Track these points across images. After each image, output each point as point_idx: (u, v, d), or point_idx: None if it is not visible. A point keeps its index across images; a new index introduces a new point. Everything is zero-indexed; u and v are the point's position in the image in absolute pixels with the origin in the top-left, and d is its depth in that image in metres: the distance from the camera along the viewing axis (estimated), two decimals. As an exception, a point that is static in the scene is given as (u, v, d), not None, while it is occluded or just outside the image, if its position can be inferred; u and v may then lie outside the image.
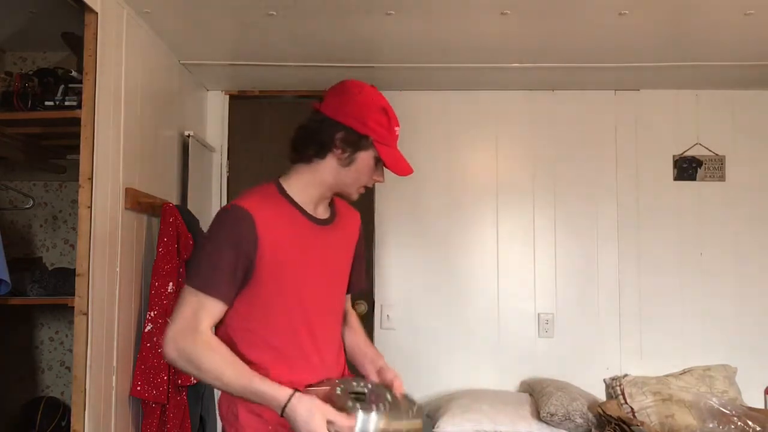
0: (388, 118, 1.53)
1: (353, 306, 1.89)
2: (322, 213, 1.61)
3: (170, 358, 1.43)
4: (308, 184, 1.56)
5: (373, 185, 1.62)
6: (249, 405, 1.46)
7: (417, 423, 1.45)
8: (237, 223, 1.45)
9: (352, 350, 1.75)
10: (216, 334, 1.50)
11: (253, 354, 1.48)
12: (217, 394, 3.23)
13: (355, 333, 1.79)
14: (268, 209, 1.50)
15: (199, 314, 1.43)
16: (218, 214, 1.52)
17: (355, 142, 1.50)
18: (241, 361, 1.43)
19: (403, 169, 1.54)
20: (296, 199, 1.55)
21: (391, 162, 1.52)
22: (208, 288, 1.44)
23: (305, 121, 1.61)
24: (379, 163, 1.53)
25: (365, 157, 1.52)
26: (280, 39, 2.74)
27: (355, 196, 1.60)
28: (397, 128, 1.55)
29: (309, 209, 1.57)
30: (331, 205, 1.65)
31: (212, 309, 1.44)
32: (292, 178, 1.58)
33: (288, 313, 1.53)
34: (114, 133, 2.32)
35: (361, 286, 1.81)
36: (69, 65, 2.50)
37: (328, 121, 1.54)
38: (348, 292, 1.75)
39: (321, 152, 1.54)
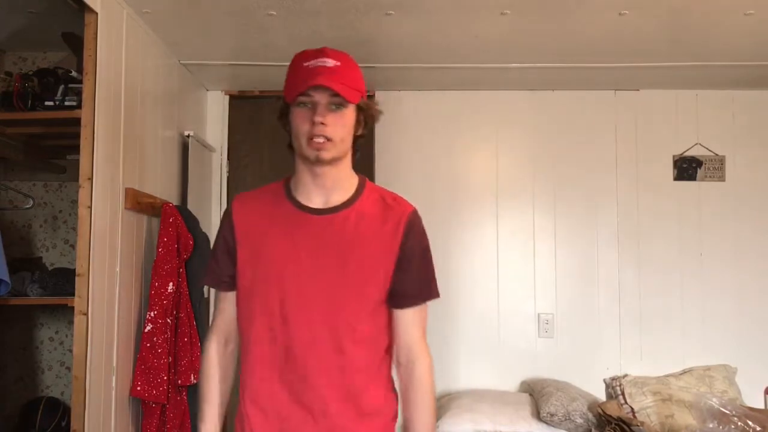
0: (294, 61, 1.41)
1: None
2: (323, 201, 1.43)
3: None
4: (296, 171, 1.47)
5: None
6: (252, 397, 1.44)
7: None
8: (223, 213, 1.53)
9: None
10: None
11: (242, 363, 1.48)
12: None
13: (411, 402, 1.43)
14: (255, 199, 1.50)
15: (215, 311, 1.55)
16: None
17: (282, 110, 1.44)
18: (207, 398, 1.50)
19: (294, 90, 1.35)
20: (293, 189, 1.47)
21: (286, 95, 1.39)
22: (206, 278, 1.54)
23: None
24: (305, 105, 1.37)
25: (290, 113, 1.41)
26: (280, 39, 2.74)
27: (310, 153, 1.38)
28: (306, 62, 1.37)
29: (304, 199, 1.44)
30: (356, 194, 1.45)
31: (220, 297, 1.53)
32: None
33: (257, 319, 1.41)
34: (114, 133, 2.32)
35: (424, 296, 1.46)
36: (69, 65, 2.50)
37: None
38: (400, 305, 1.43)
39: (289, 143, 1.47)
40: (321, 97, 1.34)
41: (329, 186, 1.43)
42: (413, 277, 1.43)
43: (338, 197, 1.43)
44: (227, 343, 1.52)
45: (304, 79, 1.34)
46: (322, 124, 1.34)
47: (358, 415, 1.40)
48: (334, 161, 1.39)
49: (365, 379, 1.41)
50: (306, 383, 1.38)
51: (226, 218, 1.49)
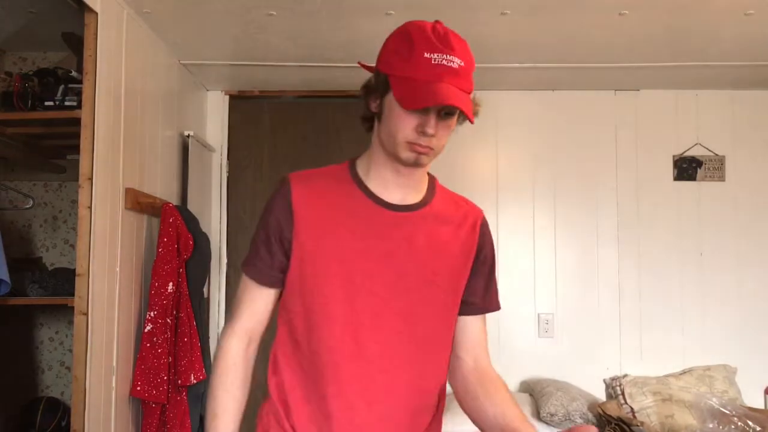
0: (409, 40, 1.17)
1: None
2: (400, 197, 1.27)
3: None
4: (372, 158, 1.27)
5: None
6: (298, 412, 1.25)
7: None
8: (275, 193, 1.27)
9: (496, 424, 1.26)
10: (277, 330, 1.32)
11: (284, 367, 1.27)
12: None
13: (497, 397, 1.28)
14: (316, 181, 1.28)
15: (240, 304, 1.30)
16: None
17: (374, 85, 1.22)
18: (223, 407, 1.25)
19: (415, 99, 1.12)
20: (364, 177, 1.28)
21: (400, 94, 1.15)
22: (244, 267, 1.30)
23: None
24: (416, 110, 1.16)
25: (389, 102, 1.19)
26: (280, 39, 2.74)
27: (408, 157, 1.20)
28: (429, 53, 1.15)
29: (379, 191, 1.26)
30: (429, 194, 1.32)
31: (253, 294, 1.29)
32: (364, 154, 1.31)
33: (317, 324, 1.22)
34: (114, 133, 2.32)
35: (492, 307, 1.37)
36: (69, 65, 2.50)
37: None
38: (468, 312, 1.33)
39: (366, 116, 1.27)
40: (436, 107, 1.16)
41: (410, 185, 1.28)
42: (486, 285, 1.35)
43: (415, 195, 1.29)
44: (250, 343, 1.30)
45: (429, 82, 1.13)
46: (432, 136, 1.17)
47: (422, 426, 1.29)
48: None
49: (438, 391, 1.31)
50: (375, 398, 1.21)
51: (282, 200, 1.25)
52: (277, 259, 1.25)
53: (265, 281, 1.27)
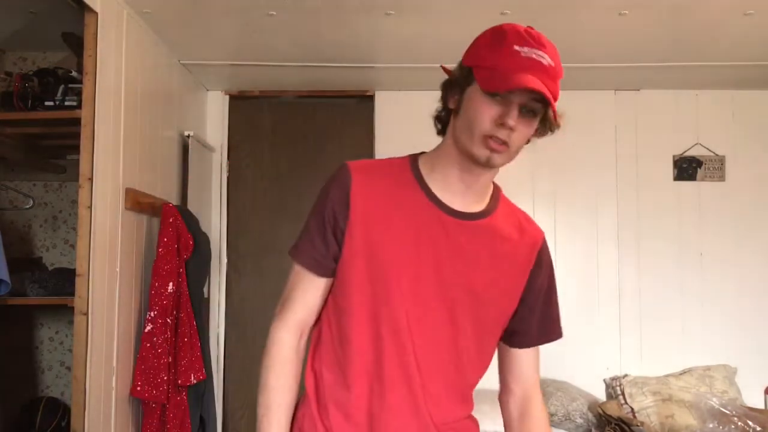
0: (500, 34, 1.12)
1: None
2: (461, 202, 1.20)
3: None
4: (440, 156, 1.22)
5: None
6: (344, 409, 1.22)
7: None
8: (332, 180, 1.21)
9: None
10: (318, 323, 1.27)
11: (323, 361, 1.23)
12: (217, 394, 3.24)
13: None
14: (377, 174, 1.22)
15: (292, 295, 1.24)
16: None
17: (457, 80, 1.17)
18: (280, 401, 1.20)
19: (500, 82, 1.07)
20: (426, 176, 1.21)
21: (485, 78, 1.10)
22: (297, 255, 1.23)
23: None
24: (499, 98, 1.10)
25: (470, 93, 1.13)
26: (280, 39, 2.74)
27: (481, 153, 1.14)
28: (519, 46, 1.09)
29: (441, 193, 1.20)
30: (492, 205, 1.26)
31: (306, 284, 1.23)
32: (430, 152, 1.25)
33: (366, 323, 1.18)
34: (114, 133, 2.32)
35: (545, 338, 1.33)
36: (69, 65, 2.50)
37: None
38: (509, 342, 1.30)
39: (442, 114, 1.22)
40: (519, 97, 1.10)
41: (475, 189, 1.22)
42: (539, 315, 1.29)
43: (478, 203, 1.23)
44: (301, 336, 1.25)
45: (516, 71, 1.07)
46: (511, 129, 1.11)
47: None
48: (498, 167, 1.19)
49: (470, 400, 1.31)
50: (408, 407, 1.20)
51: (340, 189, 1.19)
52: (331, 249, 1.20)
53: (320, 271, 1.22)
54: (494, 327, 1.26)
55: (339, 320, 1.22)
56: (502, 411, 1.38)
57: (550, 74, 1.10)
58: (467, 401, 1.29)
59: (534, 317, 1.28)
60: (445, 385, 1.22)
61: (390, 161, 1.26)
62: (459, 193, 1.20)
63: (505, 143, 1.12)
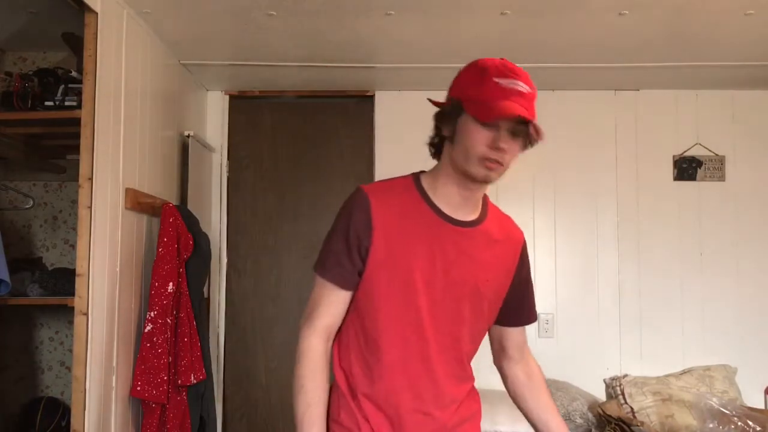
0: (481, 70, 1.35)
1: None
2: (462, 213, 1.44)
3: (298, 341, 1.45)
4: (439, 176, 1.44)
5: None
6: (378, 403, 1.43)
7: None
8: (352, 204, 1.42)
9: (529, 415, 1.64)
10: (341, 328, 1.48)
11: (351, 360, 1.44)
12: (217, 394, 3.24)
13: (534, 389, 1.63)
14: (389, 194, 1.43)
15: (319, 305, 1.44)
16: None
17: (449, 112, 1.39)
18: (317, 400, 1.40)
19: (490, 113, 1.29)
20: (430, 193, 1.44)
21: (476, 111, 1.32)
22: (325, 272, 1.42)
23: None
24: (489, 126, 1.32)
25: (462, 123, 1.36)
26: (280, 39, 2.75)
27: (479, 173, 1.36)
28: (498, 79, 1.31)
29: (444, 207, 1.43)
30: (483, 212, 1.49)
31: (332, 297, 1.43)
32: (429, 172, 1.48)
33: (391, 327, 1.41)
34: (114, 133, 2.32)
35: (528, 319, 1.61)
36: (69, 65, 2.50)
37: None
38: (506, 323, 1.58)
39: (436, 141, 1.45)
40: (506, 123, 1.31)
41: (472, 201, 1.45)
42: (522, 303, 1.57)
43: (473, 212, 1.46)
44: (328, 340, 1.46)
45: (500, 100, 1.29)
46: (503, 150, 1.33)
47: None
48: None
49: (470, 376, 1.56)
50: (430, 391, 1.43)
51: (361, 212, 1.39)
52: (357, 266, 1.40)
53: (346, 286, 1.42)
54: (489, 316, 1.52)
55: (363, 323, 1.42)
56: (504, 374, 1.65)
57: (528, 98, 1.32)
58: (467, 378, 1.55)
59: (517, 305, 1.56)
60: (451, 369, 1.46)
61: (395, 182, 1.47)
62: (459, 206, 1.43)
63: (499, 162, 1.35)
